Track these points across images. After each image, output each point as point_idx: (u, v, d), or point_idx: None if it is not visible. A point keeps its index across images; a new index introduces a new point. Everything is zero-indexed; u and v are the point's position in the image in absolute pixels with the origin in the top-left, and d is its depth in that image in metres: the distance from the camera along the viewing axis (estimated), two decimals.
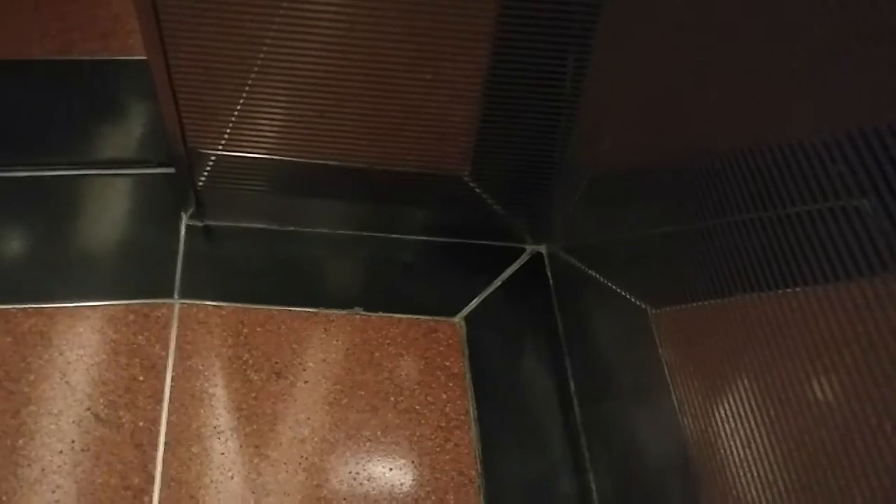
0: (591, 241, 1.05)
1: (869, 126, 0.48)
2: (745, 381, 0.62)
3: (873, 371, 0.48)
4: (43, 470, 0.94)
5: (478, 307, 1.14)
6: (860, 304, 0.48)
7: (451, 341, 1.10)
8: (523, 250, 1.21)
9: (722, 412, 0.66)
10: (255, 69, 0.98)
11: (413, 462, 0.99)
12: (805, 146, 0.54)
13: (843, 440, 0.51)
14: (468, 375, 1.06)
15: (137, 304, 1.10)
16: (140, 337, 1.06)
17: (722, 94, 0.67)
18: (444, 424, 1.02)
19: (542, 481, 0.99)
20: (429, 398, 1.04)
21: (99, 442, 0.97)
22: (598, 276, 1.01)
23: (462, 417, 1.03)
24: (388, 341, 1.09)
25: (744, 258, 0.62)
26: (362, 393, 1.04)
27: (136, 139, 1.29)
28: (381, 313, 1.11)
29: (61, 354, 1.04)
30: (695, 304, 0.73)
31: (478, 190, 1.13)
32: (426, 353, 1.08)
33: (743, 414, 0.63)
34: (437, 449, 1.00)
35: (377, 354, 1.07)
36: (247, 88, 1.00)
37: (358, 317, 1.11)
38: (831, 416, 0.52)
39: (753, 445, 0.61)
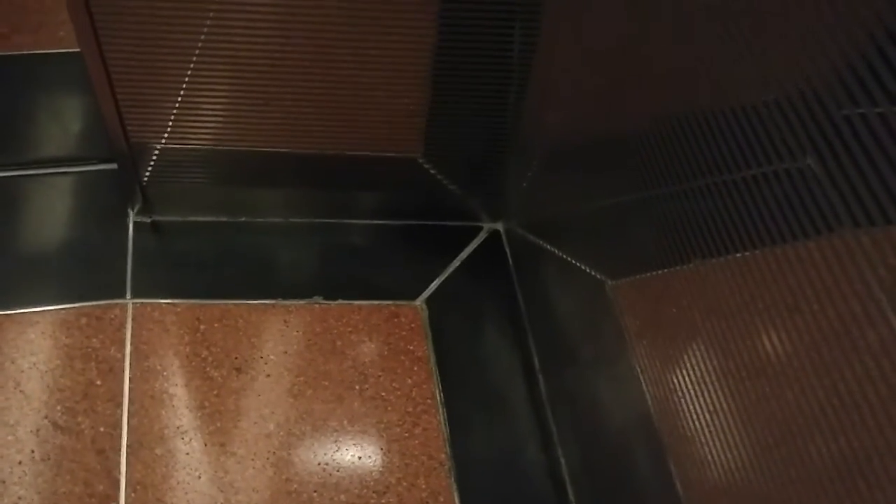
0: (547, 216, 1.05)
1: (809, 88, 0.48)
2: (705, 347, 0.63)
3: (826, 330, 0.48)
4: (3, 482, 0.92)
5: (438, 289, 1.13)
6: (812, 264, 0.49)
7: (413, 325, 1.09)
8: (480, 229, 1.20)
9: (684, 379, 0.66)
10: (195, 57, 0.95)
11: (382, 449, 0.98)
12: (750, 111, 0.54)
13: (801, 399, 0.51)
14: (432, 358, 1.06)
15: (89, 306, 1.07)
16: (94, 340, 1.04)
17: (669, 64, 0.67)
18: (411, 409, 1.02)
19: (512, 458, 0.99)
20: (394, 384, 1.03)
21: (59, 450, 0.95)
22: (555, 250, 1.01)
23: (429, 401, 1.02)
24: (350, 329, 1.08)
25: (697, 225, 0.62)
26: (326, 383, 1.03)
27: (75, 136, 1.25)
28: (340, 301, 1.10)
29: (13, 363, 1.01)
30: (652, 274, 0.73)
31: (432, 171, 1.12)
32: (389, 338, 1.07)
33: (704, 379, 0.63)
34: (406, 434, 1.00)
35: (339, 343, 1.06)
36: (187, 77, 0.98)
37: (317, 306, 1.10)
38: (790, 376, 0.52)
39: (716, 409, 0.62)
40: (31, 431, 0.96)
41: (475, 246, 1.18)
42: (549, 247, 1.03)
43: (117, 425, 0.97)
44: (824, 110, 0.47)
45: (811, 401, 0.50)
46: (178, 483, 0.94)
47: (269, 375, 1.03)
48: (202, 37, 0.93)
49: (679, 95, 0.66)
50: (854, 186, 0.45)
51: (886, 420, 0.44)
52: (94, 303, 1.07)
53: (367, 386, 1.03)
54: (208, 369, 1.03)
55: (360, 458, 0.98)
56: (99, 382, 1.00)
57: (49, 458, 0.94)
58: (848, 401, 0.47)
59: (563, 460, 0.97)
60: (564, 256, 0.97)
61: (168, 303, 1.08)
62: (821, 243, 0.48)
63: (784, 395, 0.53)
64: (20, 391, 0.99)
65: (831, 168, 0.46)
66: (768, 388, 0.55)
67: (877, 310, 0.44)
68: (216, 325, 1.07)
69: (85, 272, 1.11)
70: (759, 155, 0.54)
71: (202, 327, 1.06)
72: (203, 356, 1.04)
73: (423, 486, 0.96)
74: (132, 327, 1.05)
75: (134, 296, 1.08)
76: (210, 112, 1.02)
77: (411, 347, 1.07)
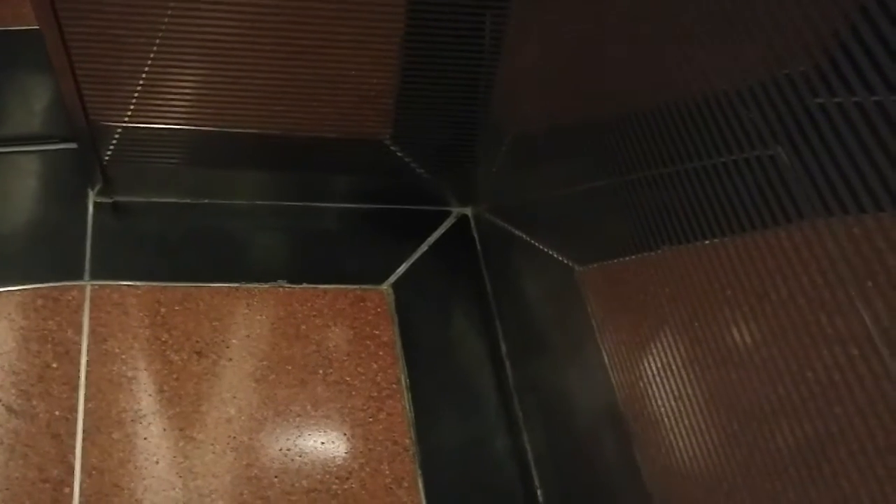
0: (516, 202, 1.05)
1: (778, 76, 0.48)
2: (673, 335, 0.63)
3: (794, 318, 0.48)
4: None
5: (405, 273, 1.12)
6: (781, 252, 0.49)
7: (379, 309, 1.08)
8: (449, 213, 1.20)
9: (651, 366, 0.67)
10: (159, 35, 0.93)
11: (346, 434, 0.97)
12: (719, 99, 0.54)
13: (767, 387, 0.52)
14: (398, 343, 1.05)
15: (46, 287, 1.04)
16: (51, 322, 1.01)
17: (638, 51, 0.67)
18: (375, 394, 1.01)
19: (477, 444, 0.99)
20: (359, 369, 1.03)
21: (13, 434, 0.92)
22: (524, 236, 1.01)
23: (394, 386, 1.02)
24: (315, 313, 1.07)
25: (666, 212, 0.62)
26: (290, 367, 1.02)
27: (35, 114, 1.23)
28: (305, 285, 1.09)
29: None
30: (620, 260, 0.73)
31: (400, 154, 1.11)
32: (354, 322, 1.06)
33: (671, 367, 0.63)
34: (370, 419, 0.99)
35: (304, 327, 1.05)
36: (151, 55, 0.96)
37: (282, 289, 1.08)
38: (756, 364, 0.53)
39: (682, 395, 0.62)
40: None
41: (443, 231, 1.18)
42: (517, 232, 1.03)
43: (73, 409, 0.95)
44: (796, 99, 0.47)
45: (777, 388, 0.50)
46: (135, 468, 0.92)
47: (230, 359, 1.01)
48: (167, 15, 0.91)
49: (649, 84, 0.66)
50: (825, 175, 0.45)
51: (852, 408, 0.44)
52: (52, 284, 1.05)
53: (331, 370, 1.02)
54: (168, 353, 1.01)
55: (322, 443, 0.97)
56: (55, 365, 0.98)
57: (2, 443, 0.92)
58: (814, 388, 0.47)
59: (528, 446, 0.97)
60: (533, 242, 0.97)
61: (128, 285, 1.06)
62: (790, 231, 0.48)
63: (750, 381, 0.53)
64: None
65: (802, 156, 0.46)
66: (735, 375, 0.55)
67: (845, 298, 0.44)
68: (177, 308, 1.05)
69: (42, 253, 1.08)
70: (729, 143, 0.54)
71: (163, 310, 1.04)
72: (163, 339, 1.02)
73: (387, 472, 0.95)
74: (90, 309, 1.03)
75: (92, 278, 1.06)
76: (174, 92, 1.00)
77: (377, 332, 1.06)
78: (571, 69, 0.83)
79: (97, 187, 1.13)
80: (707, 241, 0.57)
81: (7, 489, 0.89)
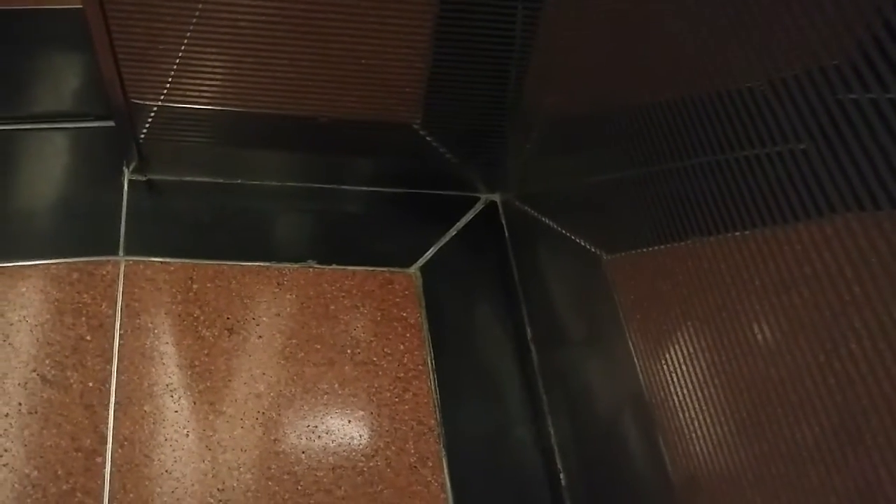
0: (545, 189, 1.05)
1: (808, 71, 0.48)
2: (698, 324, 0.63)
3: (820, 311, 0.49)
4: None
5: (433, 257, 1.13)
6: (807, 245, 0.49)
7: (407, 292, 1.09)
8: (477, 199, 1.20)
9: (677, 354, 0.67)
10: (196, 16, 0.94)
11: (372, 413, 0.99)
12: (747, 93, 0.54)
13: (792, 378, 0.52)
14: (425, 325, 1.06)
15: (81, 262, 1.06)
16: (85, 295, 1.03)
17: (673, 41, 0.67)
18: (402, 375, 1.02)
19: (502, 427, 1.00)
20: (386, 349, 1.04)
21: (47, 404, 0.94)
22: (552, 223, 1.01)
23: (420, 367, 1.03)
24: (343, 294, 1.08)
25: (695, 203, 0.62)
26: (318, 346, 1.03)
27: (72, 92, 1.24)
28: (334, 266, 1.10)
29: (2, 316, 1.00)
30: (648, 250, 0.73)
31: (429, 139, 1.11)
32: (382, 304, 1.07)
33: (697, 355, 0.63)
34: (396, 399, 1.00)
35: (332, 307, 1.06)
36: (188, 36, 0.97)
37: (311, 270, 1.10)
38: (781, 355, 0.53)
39: (706, 385, 0.62)
40: (19, 384, 0.95)
41: (472, 216, 1.18)
42: (545, 220, 1.03)
43: (106, 381, 0.97)
44: (827, 93, 0.47)
45: (802, 379, 0.51)
46: (165, 440, 0.94)
47: (260, 337, 1.03)
48: None
49: (679, 75, 0.66)
50: (846, 171, 0.45)
51: (876, 401, 0.45)
52: (87, 259, 1.06)
53: (358, 350, 1.03)
54: (200, 328, 1.03)
55: (349, 421, 0.98)
56: (89, 338, 1.00)
57: (36, 412, 0.94)
58: (839, 381, 0.47)
59: (552, 430, 0.98)
60: (561, 230, 0.97)
61: (161, 261, 1.08)
62: (813, 226, 0.48)
63: (776, 372, 0.54)
64: (9, 344, 0.98)
65: (831, 151, 0.46)
66: (760, 366, 0.55)
67: (868, 292, 0.44)
68: (209, 284, 1.07)
69: (78, 228, 1.10)
70: (754, 137, 0.54)
71: (195, 287, 1.06)
72: (195, 315, 1.04)
73: (412, 451, 0.96)
74: (124, 284, 1.05)
75: (127, 253, 1.08)
76: (209, 72, 1.01)
77: (404, 314, 1.07)
78: (604, 59, 0.83)
79: (132, 165, 1.15)
80: (735, 233, 0.57)
81: (41, 457, 0.91)
